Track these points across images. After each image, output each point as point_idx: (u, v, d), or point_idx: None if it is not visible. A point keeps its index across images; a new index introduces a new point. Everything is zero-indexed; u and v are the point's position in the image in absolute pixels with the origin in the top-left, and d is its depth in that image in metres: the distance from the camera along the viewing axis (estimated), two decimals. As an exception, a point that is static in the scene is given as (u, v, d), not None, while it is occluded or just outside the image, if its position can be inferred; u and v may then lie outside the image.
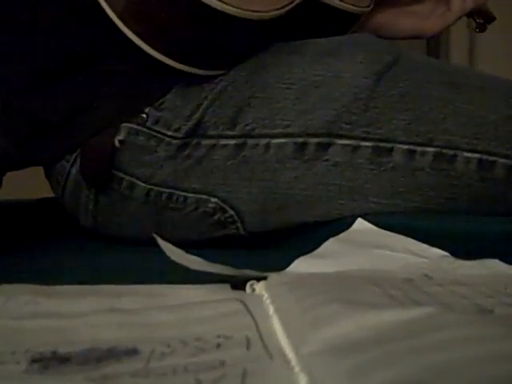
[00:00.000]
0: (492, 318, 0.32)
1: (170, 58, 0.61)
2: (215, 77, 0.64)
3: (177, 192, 0.65)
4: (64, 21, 0.64)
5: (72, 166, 0.66)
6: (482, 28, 0.85)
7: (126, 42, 0.60)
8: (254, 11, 0.59)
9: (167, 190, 0.65)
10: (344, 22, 0.72)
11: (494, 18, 0.85)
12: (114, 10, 0.60)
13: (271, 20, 0.62)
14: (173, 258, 0.43)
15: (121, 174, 0.65)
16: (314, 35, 0.68)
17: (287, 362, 0.28)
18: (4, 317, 0.35)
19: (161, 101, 0.64)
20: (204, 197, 0.64)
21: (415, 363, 0.25)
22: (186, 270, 0.42)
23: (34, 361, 0.29)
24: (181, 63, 0.61)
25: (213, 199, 0.64)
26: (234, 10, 0.58)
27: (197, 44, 0.62)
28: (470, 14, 0.84)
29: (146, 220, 0.66)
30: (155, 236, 0.45)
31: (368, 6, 0.73)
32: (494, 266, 0.46)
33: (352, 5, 0.70)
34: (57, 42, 0.64)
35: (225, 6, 0.58)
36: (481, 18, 0.85)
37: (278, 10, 0.61)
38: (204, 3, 0.57)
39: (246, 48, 0.65)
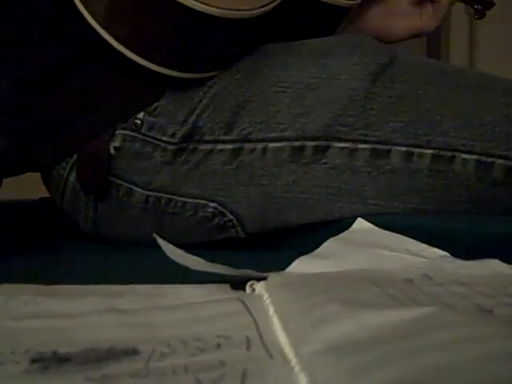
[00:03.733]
0: (492, 318, 0.32)
1: (153, 62, 0.60)
2: (208, 80, 0.64)
3: (175, 197, 0.64)
4: (51, 27, 0.64)
5: (69, 174, 0.66)
6: (480, 14, 0.83)
7: (112, 48, 0.60)
8: (237, 10, 0.59)
9: (166, 196, 0.65)
10: (333, 17, 0.72)
11: (492, 4, 0.83)
12: (93, 16, 0.59)
13: (257, 18, 0.61)
14: (173, 257, 0.43)
15: (118, 181, 0.65)
16: (303, 32, 0.68)
17: (287, 362, 0.28)
18: (4, 317, 0.35)
19: (154, 106, 0.63)
20: (203, 202, 0.64)
21: (415, 363, 0.25)
22: (186, 269, 0.42)
23: (34, 361, 0.29)
24: (165, 67, 0.61)
25: (211, 204, 0.64)
26: (216, 10, 0.57)
27: (180, 47, 0.61)
28: (467, 1, 0.83)
29: (146, 225, 0.66)
30: (155, 236, 0.45)
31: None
32: (494, 265, 0.45)
33: None
34: (44, 48, 0.64)
35: (206, 7, 0.57)
36: (479, 5, 0.83)
37: (262, 7, 0.61)
38: (184, 5, 0.57)
39: (234, 49, 0.65)
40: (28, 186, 0.78)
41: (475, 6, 0.83)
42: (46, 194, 0.74)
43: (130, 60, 0.60)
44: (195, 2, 0.57)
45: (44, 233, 0.72)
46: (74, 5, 0.60)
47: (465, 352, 0.25)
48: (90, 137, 0.64)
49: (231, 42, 0.64)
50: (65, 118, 0.65)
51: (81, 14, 0.60)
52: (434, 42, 1.66)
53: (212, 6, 0.57)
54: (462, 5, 0.83)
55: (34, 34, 0.65)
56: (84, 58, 0.64)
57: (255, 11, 0.60)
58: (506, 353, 0.25)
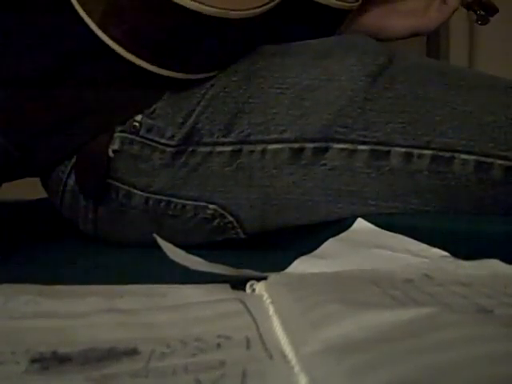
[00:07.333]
0: (492, 317, 0.32)
1: (150, 63, 0.60)
2: (206, 81, 0.64)
3: (175, 199, 0.64)
4: (49, 28, 0.64)
5: (68, 177, 0.66)
6: (483, 20, 0.82)
7: (110, 49, 0.60)
8: (231, 10, 0.58)
9: (165, 198, 0.65)
10: (332, 19, 0.72)
11: (496, 10, 0.82)
12: (90, 16, 0.59)
13: (255, 19, 0.61)
14: (173, 257, 0.43)
15: (117, 184, 0.65)
16: (302, 34, 0.67)
17: (287, 362, 0.28)
18: (4, 317, 0.35)
19: (153, 108, 0.63)
20: (202, 204, 0.64)
21: (415, 363, 0.25)
22: (186, 269, 0.42)
23: (33, 361, 0.29)
24: (162, 68, 0.61)
25: (211, 206, 0.64)
26: (212, 10, 0.57)
27: (175, 47, 0.61)
28: (470, 7, 0.83)
29: (146, 227, 0.66)
30: (155, 236, 0.45)
31: (356, 1, 0.72)
32: (494, 265, 0.45)
33: (339, 0, 0.69)
34: (43, 48, 0.64)
35: (202, 6, 0.57)
36: (482, 10, 0.83)
37: (257, 8, 0.60)
38: (180, 5, 0.56)
39: (230, 49, 0.64)
40: (28, 186, 0.78)
41: (478, 12, 0.82)
42: (46, 195, 0.74)
43: (128, 61, 0.60)
44: (191, 2, 0.56)
45: (44, 233, 0.72)
46: (72, 5, 0.60)
47: (465, 352, 0.25)
48: (88, 138, 0.64)
49: (229, 43, 0.64)
50: (63, 119, 0.65)
51: (78, 15, 0.60)
52: (433, 41, 1.66)
53: (208, 6, 0.57)
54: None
55: (33, 34, 0.65)
56: (82, 59, 0.64)
57: (252, 11, 0.60)
58: (506, 353, 0.25)
